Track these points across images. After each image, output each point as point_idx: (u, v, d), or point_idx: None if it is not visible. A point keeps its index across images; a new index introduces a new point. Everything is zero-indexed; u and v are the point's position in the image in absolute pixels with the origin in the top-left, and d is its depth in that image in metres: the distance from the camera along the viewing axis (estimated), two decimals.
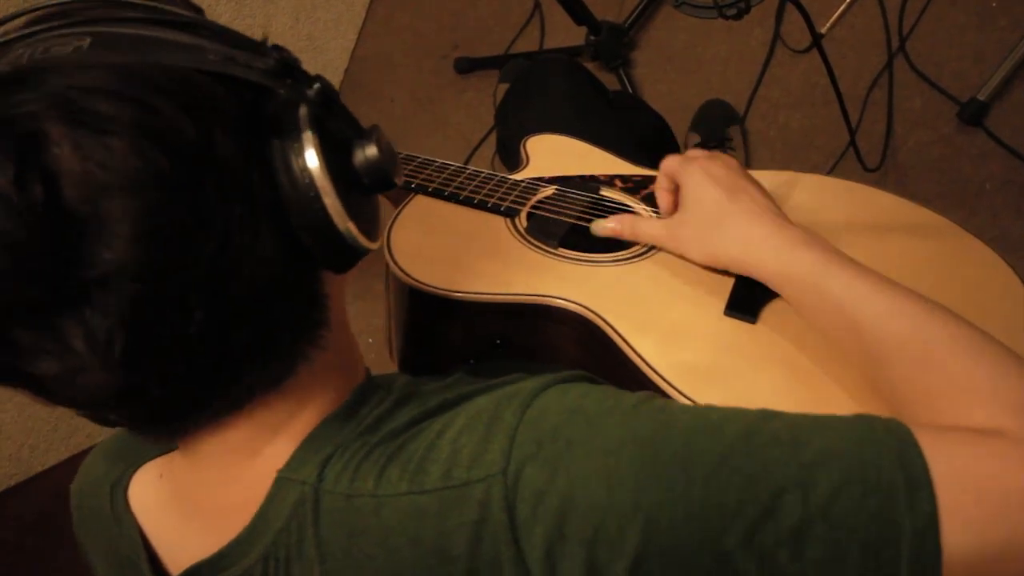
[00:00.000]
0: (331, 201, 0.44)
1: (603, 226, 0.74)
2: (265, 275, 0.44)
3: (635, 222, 0.72)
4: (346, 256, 0.47)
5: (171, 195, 0.38)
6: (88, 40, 0.41)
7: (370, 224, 0.49)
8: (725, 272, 0.68)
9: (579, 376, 0.55)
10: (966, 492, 0.41)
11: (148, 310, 0.39)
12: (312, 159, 0.44)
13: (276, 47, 0.44)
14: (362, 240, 0.47)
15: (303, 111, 0.45)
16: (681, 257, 0.70)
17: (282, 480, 0.50)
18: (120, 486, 0.58)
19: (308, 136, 0.44)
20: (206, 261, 0.40)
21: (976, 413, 0.47)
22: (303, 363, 0.49)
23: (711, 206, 0.67)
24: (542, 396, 0.49)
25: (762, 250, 0.63)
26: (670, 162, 0.72)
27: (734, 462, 0.43)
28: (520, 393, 0.49)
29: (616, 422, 0.46)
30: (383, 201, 0.95)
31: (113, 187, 0.37)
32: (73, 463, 1.59)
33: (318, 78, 0.45)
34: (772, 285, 0.63)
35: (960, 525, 0.41)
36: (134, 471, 0.59)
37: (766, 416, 0.46)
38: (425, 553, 0.46)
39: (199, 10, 0.49)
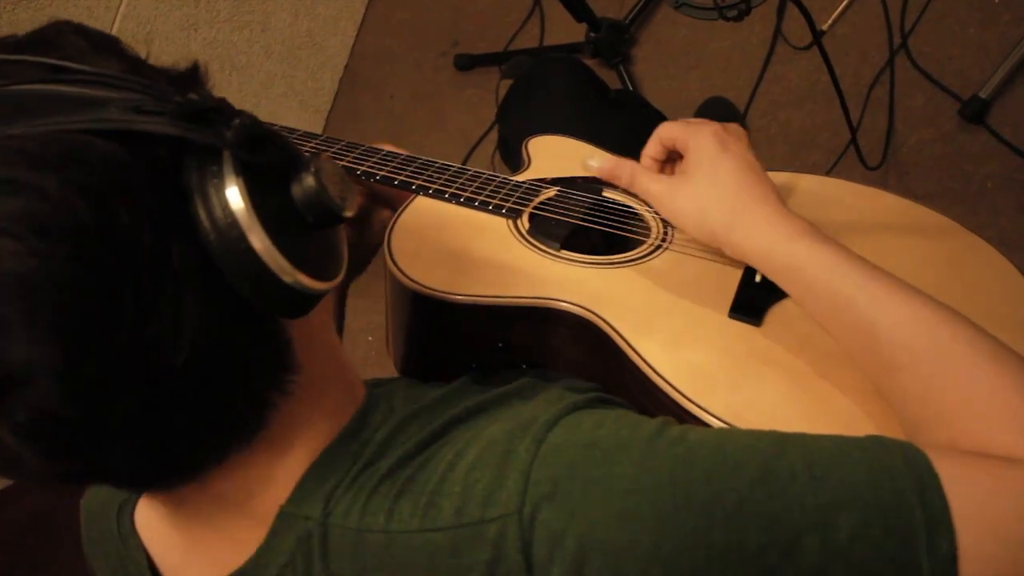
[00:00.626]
0: (259, 243, 0.39)
1: (599, 163, 0.68)
2: (202, 345, 0.39)
3: (635, 170, 0.66)
4: (293, 302, 0.42)
5: (70, 290, 0.35)
6: None
7: (322, 262, 0.44)
8: (726, 265, 0.66)
9: (591, 400, 0.53)
10: (986, 530, 0.41)
11: (68, 401, 0.36)
12: (236, 201, 0.39)
13: (186, 86, 0.40)
14: (309, 282, 0.42)
15: (225, 156, 0.40)
16: (672, 222, 0.65)
17: (285, 515, 0.48)
18: (127, 508, 0.57)
19: (230, 181, 0.39)
20: (121, 347, 0.37)
21: (998, 438, 0.46)
22: (272, 412, 0.46)
23: (717, 175, 0.61)
24: (556, 429, 0.48)
25: (770, 237, 0.58)
26: (671, 127, 0.65)
27: (754, 505, 0.43)
28: (533, 424, 0.48)
29: (634, 460, 0.45)
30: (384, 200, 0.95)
31: (6, 290, 0.34)
32: None
33: (239, 114, 0.40)
34: (775, 278, 0.59)
35: (979, 564, 0.40)
36: (140, 495, 0.58)
37: (782, 445, 0.45)
38: None
39: (113, 40, 0.45)
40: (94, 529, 0.61)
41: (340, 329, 0.87)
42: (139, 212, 0.37)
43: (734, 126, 0.65)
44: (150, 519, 0.56)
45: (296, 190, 0.43)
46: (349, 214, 0.44)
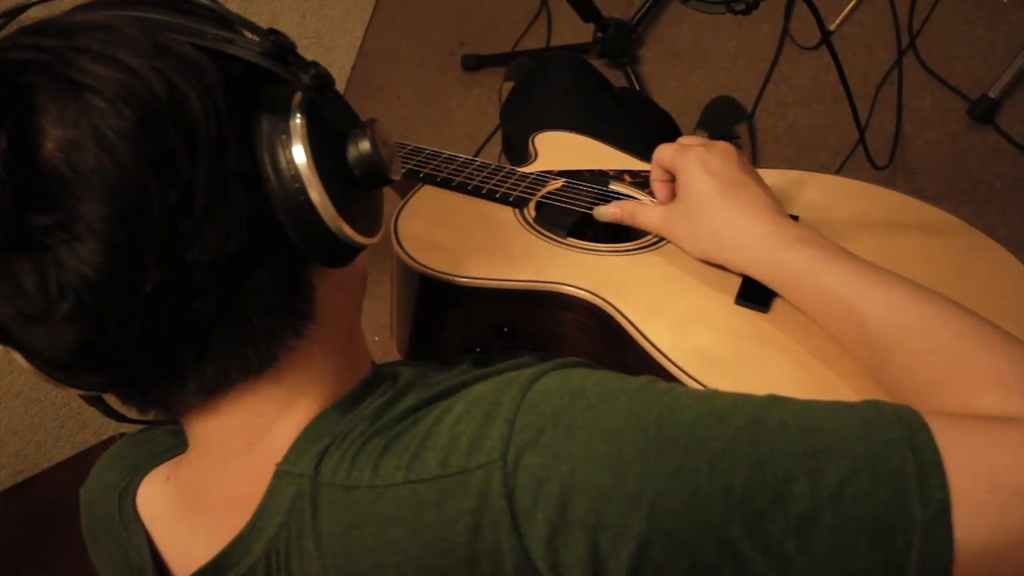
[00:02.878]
0: (317, 196, 0.44)
1: (604, 211, 0.74)
2: (230, 246, 0.43)
3: (635, 209, 0.72)
4: (336, 252, 0.46)
5: (133, 152, 0.39)
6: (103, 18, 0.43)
7: (366, 218, 0.48)
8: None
9: (580, 362, 0.54)
10: (979, 479, 0.41)
11: (104, 263, 0.40)
12: (299, 150, 0.43)
13: (273, 31, 0.44)
14: (354, 236, 0.46)
15: (296, 97, 0.44)
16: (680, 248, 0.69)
17: (280, 473, 0.49)
18: (128, 494, 0.58)
19: (297, 124, 0.44)
20: (168, 215, 0.40)
21: (985, 399, 0.46)
22: (284, 352, 0.49)
23: (705, 202, 0.65)
24: (542, 380, 0.48)
25: (758, 251, 0.62)
26: (663, 151, 0.70)
27: (740, 448, 0.43)
28: (519, 378, 0.48)
29: (619, 406, 0.45)
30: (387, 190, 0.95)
31: (84, 142, 0.39)
32: (80, 460, 1.60)
33: (314, 64, 0.44)
34: (770, 284, 0.62)
35: (973, 513, 0.40)
36: (142, 478, 0.58)
37: (774, 402, 0.46)
38: (424, 543, 0.45)
39: (220, 17, 0.49)
40: (94, 518, 0.61)
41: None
42: (209, 107, 0.42)
43: (720, 144, 0.68)
44: (152, 500, 0.57)
45: (352, 149, 0.47)
46: (396, 177, 0.49)
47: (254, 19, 0.46)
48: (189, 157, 0.41)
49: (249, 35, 0.45)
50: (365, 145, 0.46)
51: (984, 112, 1.43)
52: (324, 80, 0.44)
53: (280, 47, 0.43)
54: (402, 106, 2.03)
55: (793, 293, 0.61)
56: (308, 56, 0.44)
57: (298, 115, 0.44)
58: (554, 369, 0.50)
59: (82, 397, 0.52)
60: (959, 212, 0.73)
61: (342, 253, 0.47)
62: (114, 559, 0.59)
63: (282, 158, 0.43)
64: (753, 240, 0.62)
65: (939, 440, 0.42)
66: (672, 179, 0.71)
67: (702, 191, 0.65)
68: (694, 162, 0.66)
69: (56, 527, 1.38)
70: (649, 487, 0.42)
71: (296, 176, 0.43)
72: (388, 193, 0.97)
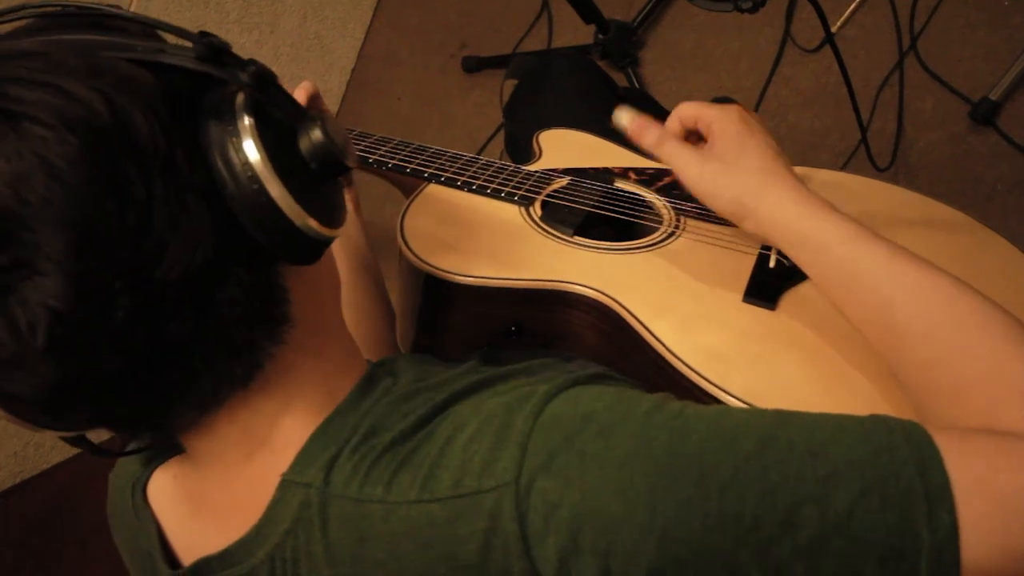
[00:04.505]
0: (277, 192, 0.43)
1: (629, 120, 0.66)
2: (198, 259, 0.42)
3: (664, 134, 0.65)
4: (304, 248, 0.45)
5: (84, 179, 0.38)
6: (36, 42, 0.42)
7: (328, 210, 0.47)
8: (739, 252, 0.66)
9: (592, 375, 0.53)
10: (987, 503, 0.40)
11: (70, 294, 0.38)
12: (252, 149, 0.42)
13: (205, 33, 0.43)
14: (319, 228, 0.45)
15: (239, 98, 0.43)
16: (692, 195, 0.64)
17: (286, 483, 0.49)
18: (140, 483, 0.58)
19: (245, 124, 0.43)
20: (129, 236, 0.39)
21: (1006, 413, 0.45)
22: (268, 360, 0.48)
23: (751, 156, 0.61)
24: (554, 402, 0.48)
25: (793, 210, 0.59)
26: (693, 106, 0.65)
27: (750, 475, 0.42)
28: (531, 397, 0.48)
29: (630, 432, 0.45)
30: (393, 190, 0.95)
31: (31, 174, 0.37)
32: (78, 461, 1.59)
33: (252, 62, 0.43)
34: (793, 252, 0.59)
35: (980, 537, 0.40)
36: (154, 470, 0.59)
37: (781, 421, 0.45)
38: (434, 561, 0.45)
39: (147, 32, 0.48)
40: (116, 504, 0.62)
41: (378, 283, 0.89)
42: (154, 122, 0.41)
43: (755, 113, 0.66)
44: (162, 493, 0.57)
45: (304, 141, 0.46)
46: (352, 164, 0.48)
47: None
48: (141, 175, 0.40)
49: (171, 44, 0.44)
50: (317, 134, 0.46)
51: (985, 114, 1.43)
52: (265, 77, 0.43)
53: (214, 49, 0.43)
54: (403, 107, 2.03)
55: (818, 267, 0.57)
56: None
57: (244, 114, 0.43)
58: (567, 388, 0.49)
59: (64, 439, 0.51)
60: None
61: (310, 248, 0.46)
62: (127, 541, 0.61)
63: (235, 160, 0.42)
64: (788, 199, 0.59)
65: (947, 461, 0.41)
66: (691, 138, 0.67)
67: (744, 137, 0.62)
68: (738, 118, 0.63)
69: (56, 528, 1.37)
70: (659, 515, 0.42)
71: (253, 176, 0.42)
72: (394, 193, 0.97)
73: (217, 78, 0.43)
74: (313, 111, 0.47)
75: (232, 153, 0.42)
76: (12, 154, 0.37)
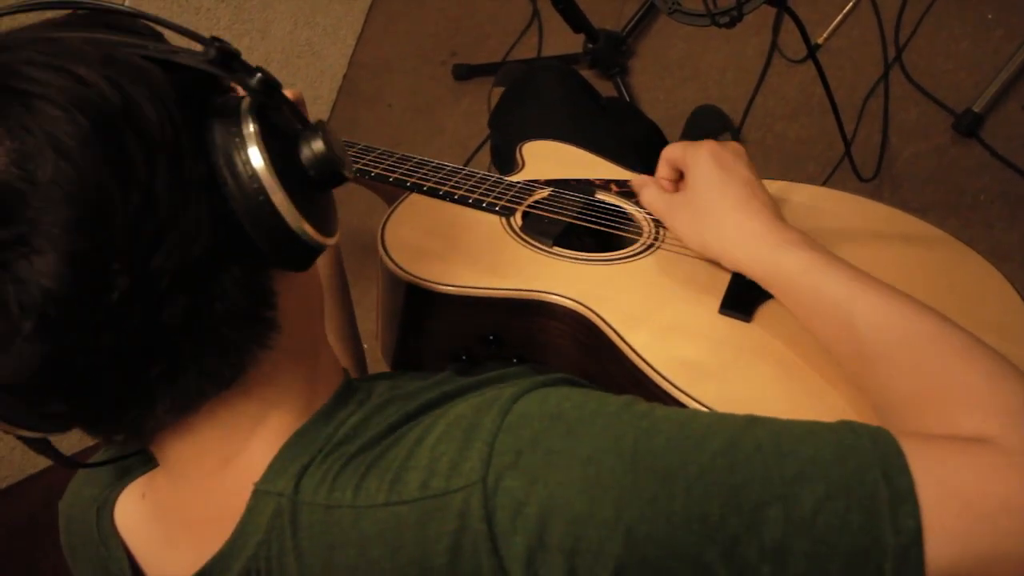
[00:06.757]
0: (279, 197, 0.44)
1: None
2: (196, 251, 0.42)
3: (644, 183, 0.72)
4: (299, 254, 0.47)
5: (89, 159, 0.39)
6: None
7: (325, 219, 0.48)
8: (717, 265, 0.67)
9: (560, 379, 0.54)
10: (950, 504, 0.41)
11: (67, 273, 0.39)
12: (256, 154, 0.43)
13: (216, 38, 0.44)
14: (316, 236, 0.46)
15: (245, 102, 0.45)
16: (673, 233, 0.69)
17: (259, 492, 0.49)
18: (106, 507, 0.57)
19: (251, 128, 0.44)
20: (130, 220, 0.40)
21: (965, 420, 0.46)
22: (252, 363, 0.48)
23: (713, 192, 0.65)
24: (521, 401, 0.48)
25: (757, 248, 0.62)
26: (675, 147, 0.70)
27: (716, 474, 0.43)
28: (499, 399, 0.49)
29: (597, 430, 0.46)
30: (376, 198, 0.95)
31: (42, 150, 0.38)
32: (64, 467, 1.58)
33: (260, 69, 0.45)
34: (764, 283, 0.62)
35: (944, 538, 0.40)
36: (119, 492, 0.58)
37: (750, 423, 0.46)
38: (405, 563, 0.45)
39: (158, 36, 0.49)
40: (74, 533, 0.61)
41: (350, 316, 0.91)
42: (163, 113, 0.42)
43: (732, 144, 0.69)
44: (130, 515, 0.57)
45: (305, 149, 0.47)
46: (350, 175, 0.49)
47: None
48: (147, 161, 0.40)
49: (182, 47, 0.45)
50: (319, 144, 0.47)
51: (969, 126, 1.45)
52: (272, 84, 0.45)
53: (225, 54, 0.44)
54: (393, 115, 2.04)
55: (787, 295, 0.60)
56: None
57: (250, 119, 0.44)
58: (534, 389, 0.50)
59: (28, 443, 0.51)
60: (944, 224, 0.74)
61: (305, 255, 0.47)
62: (95, 572, 0.58)
63: (239, 162, 0.43)
64: (754, 237, 0.62)
65: (912, 465, 0.42)
66: (679, 179, 0.71)
67: (712, 182, 0.65)
68: (707, 155, 0.67)
69: (40, 534, 1.37)
70: (626, 512, 0.43)
71: (255, 179, 0.43)
72: (376, 201, 0.98)
73: (225, 82, 0.44)
74: (317, 121, 0.48)
75: (236, 155, 0.43)
76: (22, 131, 0.38)
